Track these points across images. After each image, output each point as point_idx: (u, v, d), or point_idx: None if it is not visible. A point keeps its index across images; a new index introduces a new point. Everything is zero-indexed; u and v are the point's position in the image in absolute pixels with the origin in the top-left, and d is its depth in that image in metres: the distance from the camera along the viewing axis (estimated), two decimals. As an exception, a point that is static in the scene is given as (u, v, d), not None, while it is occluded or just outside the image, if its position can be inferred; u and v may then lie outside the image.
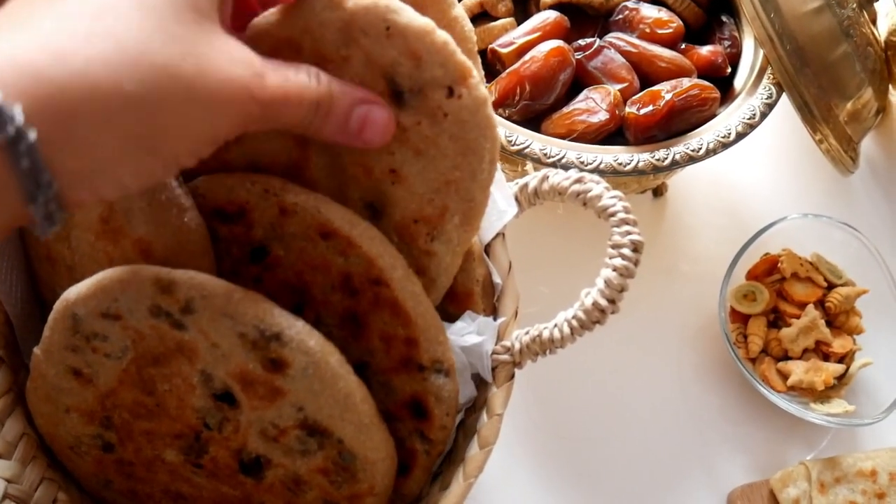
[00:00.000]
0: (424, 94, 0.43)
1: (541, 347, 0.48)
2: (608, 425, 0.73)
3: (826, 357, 0.72)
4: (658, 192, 0.82)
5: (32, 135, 0.29)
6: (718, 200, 0.85)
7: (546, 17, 0.72)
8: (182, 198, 0.46)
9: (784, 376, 0.71)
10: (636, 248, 0.45)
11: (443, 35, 0.42)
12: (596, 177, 0.48)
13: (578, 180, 0.48)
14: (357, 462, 0.47)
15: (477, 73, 0.45)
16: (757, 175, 0.87)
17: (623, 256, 0.45)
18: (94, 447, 0.50)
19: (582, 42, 0.71)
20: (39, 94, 0.29)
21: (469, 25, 0.51)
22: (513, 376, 0.50)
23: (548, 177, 0.49)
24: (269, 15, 0.43)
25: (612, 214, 0.46)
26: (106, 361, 0.46)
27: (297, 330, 0.43)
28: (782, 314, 0.74)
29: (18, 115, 0.29)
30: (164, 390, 0.47)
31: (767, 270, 0.75)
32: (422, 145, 0.45)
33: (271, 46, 0.43)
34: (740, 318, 0.75)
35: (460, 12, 0.49)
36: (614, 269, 0.45)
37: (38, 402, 0.50)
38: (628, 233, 0.46)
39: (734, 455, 0.72)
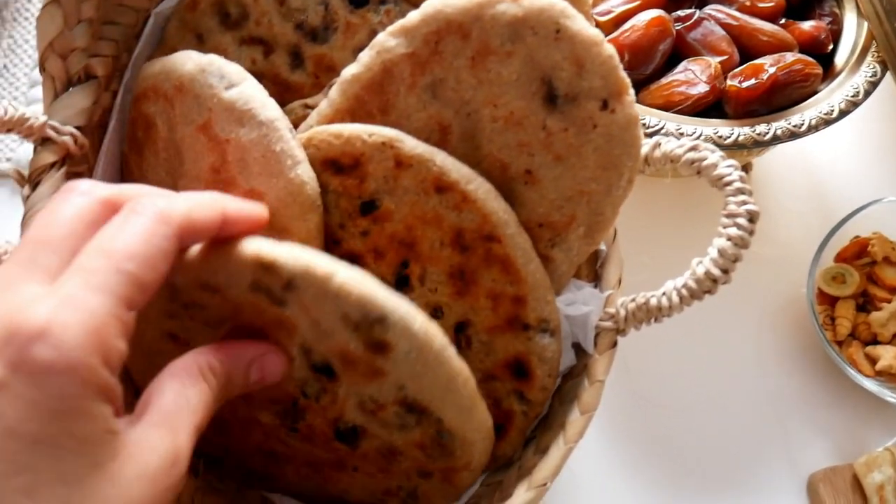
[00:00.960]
0: (578, 103, 0.44)
1: (647, 315, 0.48)
2: (688, 403, 0.72)
3: (916, 343, 0.71)
4: (744, 170, 0.81)
5: None
6: (805, 180, 0.83)
7: (644, -14, 0.71)
8: (296, 149, 0.46)
9: (872, 360, 0.70)
10: (752, 217, 0.45)
11: (609, 48, 0.44)
12: (711, 145, 0.47)
13: (693, 148, 0.47)
14: (455, 441, 0.46)
15: (633, 91, 0.45)
16: (844, 157, 0.85)
17: (738, 226, 0.45)
18: None
19: (681, 13, 0.70)
20: None
21: (584, -15, 0.50)
22: (615, 343, 0.49)
23: (660, 144, 0.48)
24: None
25: (728, 183, 0.45)
26: (203, 328, 0.46)
27: (402, 314, 0.41)
28: (872, 298, 0.72)
29: None
30: None
31: (857, 253, 0.74)
32: (563, 152, 0.46)
33: (441, 27, 0.44)
34: (828, 301, 0.73)
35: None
36: (729, 238, 0.45)
37: (134, 359, 0.49)
38: (744, 202, 0.45)
39: (814, 438, 0.71)
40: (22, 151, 0.80)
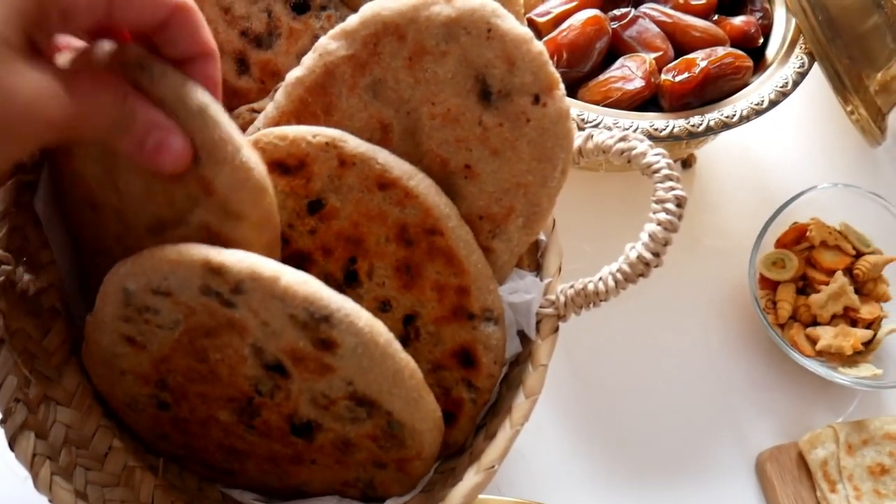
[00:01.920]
0: (511, 98, 0.46)
1: (585, 300, 0.49)
2: (638, 389, 0.74)
3: (854, 323, 0.73)
4: (687, 163, 0.84)
5: None
6: (747, 172, 0.86)
7: (581, -13, 0.73)
8: (236, 134, 0.47)
9: (812, 341, 0.73)
10: (680, 202, 0.47)
11: (538, 45, 0.46)
12: (640, 135, 0.49)
13: (623, 138, 0.49)
14: (405, 431, 0.48)
15: (563, 86, 0.47)
16: (784, 148, 0.88)
17: (667, 211, 0.47)
18: (149, 405, 0.51)
19: (617, 12, 0.72)
20: None
21: (516, -11, 0.52)
22: (557, 329, 0.51)
23: (592, 135, 0.50)
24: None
25: (657, 171, 0.47)
26: (158, 331, 0.47)
27: (347, 312, 0.43)
28: (811, 281, 0.75)
29: None
30: (216, 359, 0.47)
31: (796, 239, 0.77)
32: (500, 146, 0.48)
33: (378, 29, 0.46)
34: (769, 285, 0.76)
35: (508, -24, 0.51)
36: (658, 223, 0.47)
37: (93, 365, 0.51)
38: (672, 188, 0.47)
39: (762, 419, 0.74)
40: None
